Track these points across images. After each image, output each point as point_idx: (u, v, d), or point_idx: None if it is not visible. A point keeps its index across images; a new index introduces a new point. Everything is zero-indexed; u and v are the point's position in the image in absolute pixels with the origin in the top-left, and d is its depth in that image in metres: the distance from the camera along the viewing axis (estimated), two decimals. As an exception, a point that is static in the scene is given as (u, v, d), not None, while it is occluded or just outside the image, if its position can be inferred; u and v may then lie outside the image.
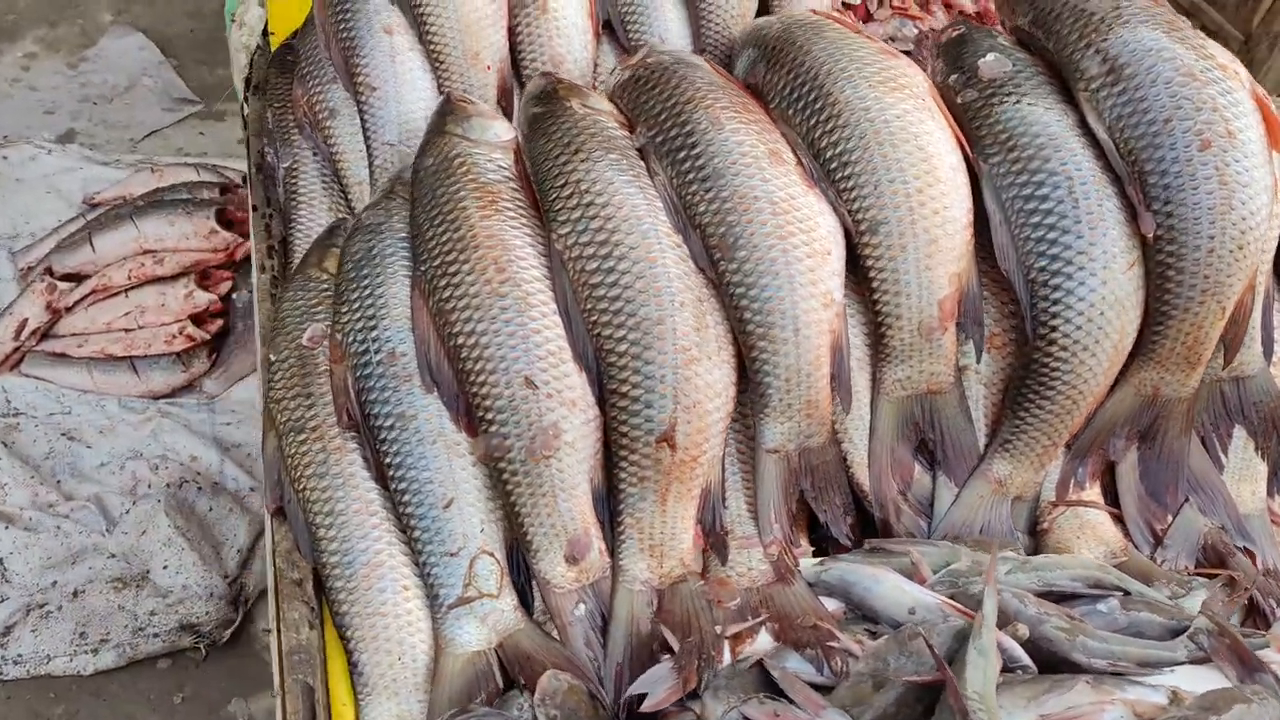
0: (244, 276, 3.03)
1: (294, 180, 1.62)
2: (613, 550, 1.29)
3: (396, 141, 1.58)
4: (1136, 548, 1.42)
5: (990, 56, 1.47)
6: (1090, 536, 1.41)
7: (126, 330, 2.87)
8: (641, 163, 1.37)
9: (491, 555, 1.24)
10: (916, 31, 2.06)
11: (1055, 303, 1.34)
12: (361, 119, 1.60)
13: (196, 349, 2.89)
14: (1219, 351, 1.42)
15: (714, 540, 1.28)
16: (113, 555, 2.52)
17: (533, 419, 1.24)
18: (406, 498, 1.25)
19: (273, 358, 1.36)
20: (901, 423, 1.39)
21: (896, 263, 1.34)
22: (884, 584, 1.18)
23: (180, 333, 2.86)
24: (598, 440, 1.29)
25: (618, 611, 1.25)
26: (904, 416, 1.39)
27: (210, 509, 2.61)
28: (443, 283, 1.29)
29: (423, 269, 1.31)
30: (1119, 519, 1.44)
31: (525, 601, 1.27)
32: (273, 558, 1.27)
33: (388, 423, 1.27)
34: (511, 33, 1.64)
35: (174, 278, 2.91)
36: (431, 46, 1.60)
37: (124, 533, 2.53)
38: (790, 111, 1.42)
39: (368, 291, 1.33)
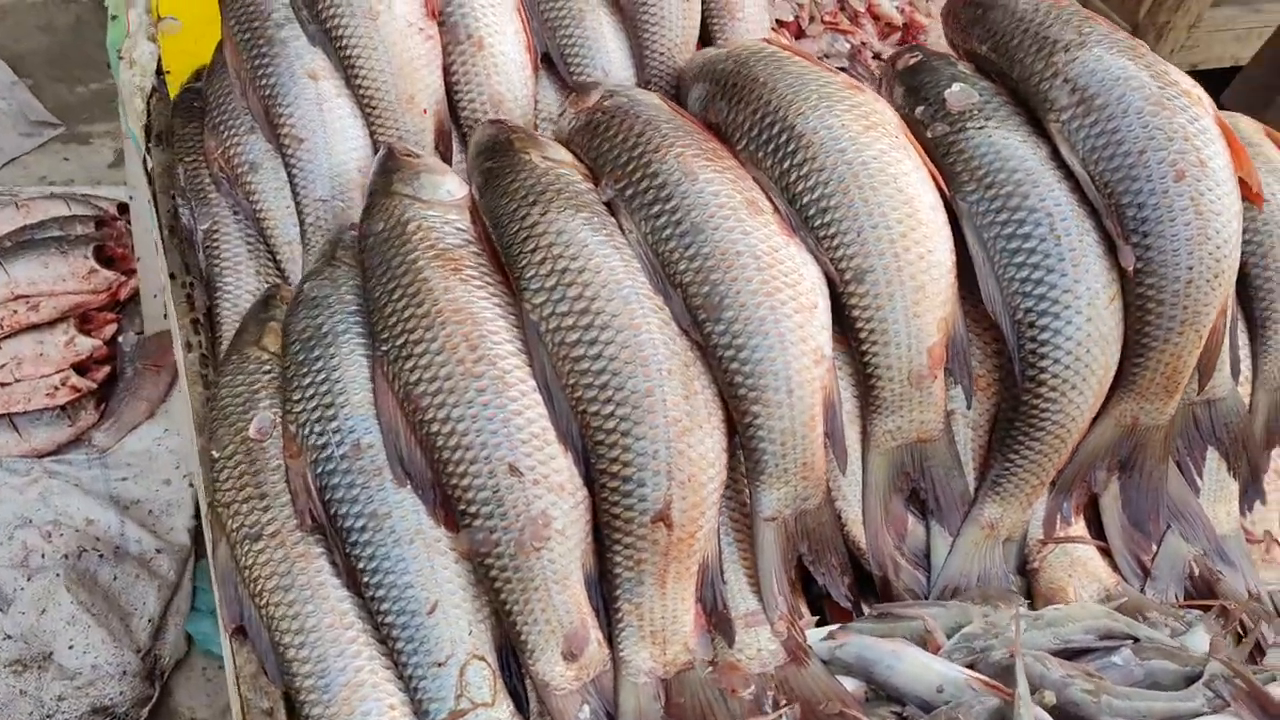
0: (130, 317, 2.81)
1: (215, 244, 1.47)
2: (610, 640, 1.20)
3: (329, 196, 1.45)
4: (1126, 580, 1.41)
5: (956, 87, 1.43)
6: (1082, 573, 1.40)
7: (2, 385, 2.63)
8: (612, 219, 1.28)
9: (483, 660, 1.14)
10: (850, 47, 2.01)
11: (1043, 344, 1.31)
12: (288, 173, 1.46)
13: (82, 400, 2.67)
14: (1193, 376, 1.41)
15: (717, 620, 1.21)
16: (9, 636, 2.30)
17: (520, 509, 1.14)
18: (385, 605, 1.14)
19: (215, 454, 1.22)
20: (893, 474, 1.35)
21: (884, 312, 1.28)
22: (906, 661, 1.13)
23: (63, 384, 2.64)
24: (588, 523, 1.20)
25: (624, 708, 1.17)
26: (895, 467, 1.35)
27: (114, 578, 2.41)
28: (409, 364, 1.17)
29: (384, 349, 1.20)
30: (1106, 552, 1.43)
31: (519, 704, 1.18)
32: (236, 685, 1.14)
33: (358, 523, 1.15)
34: (447, 72, 1.52)
35: (52, 324, 2.68)
36: (362, 92, 1.47)
37: (21, 612, 2.31)
38: (760, 155, 1.35)
39: (322, 376, 1.21)
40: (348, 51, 1.46)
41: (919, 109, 1.44)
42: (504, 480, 1.14)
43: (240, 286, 1.44)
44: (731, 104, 1.41)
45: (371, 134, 1.49)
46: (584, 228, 1.23)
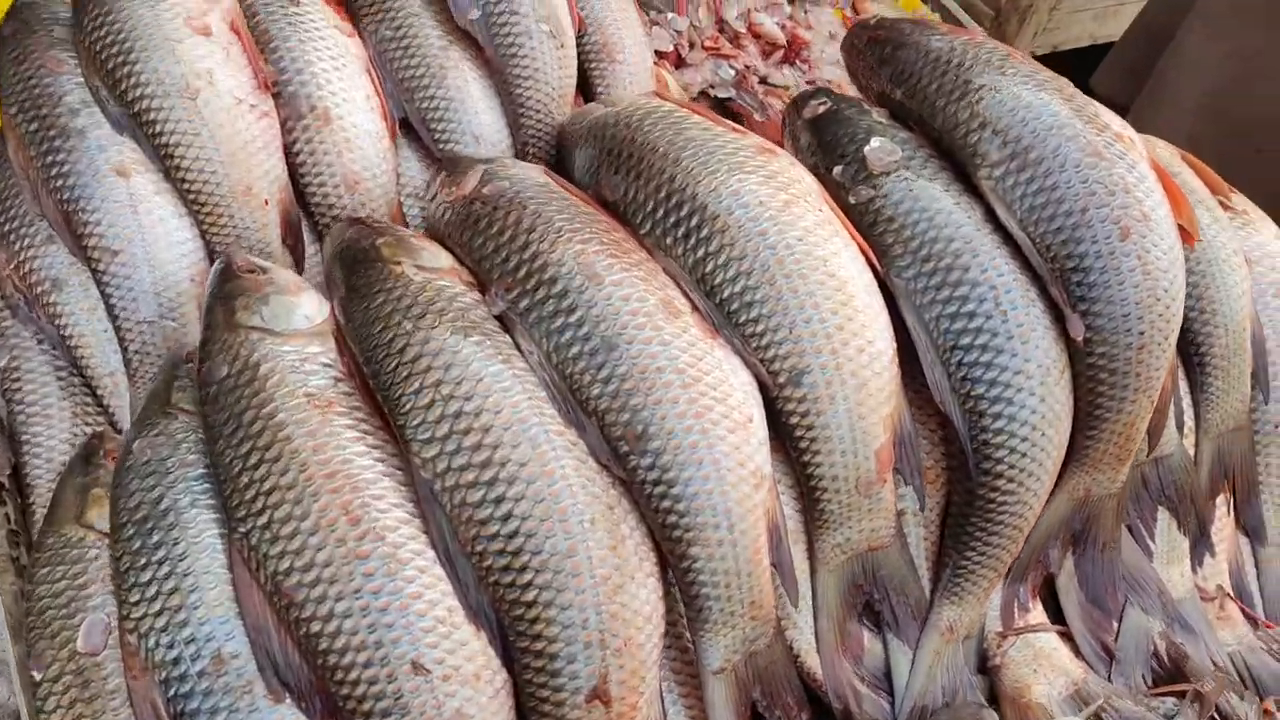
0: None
1: (17, 383, 1.21)
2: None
3: (156, 317, 1.21)
4: (1091, 667, 1.30)
5: (876, 143, 1.28)
6: (1047, 667, 1.28)
7: None
8: (505, 337, 1.08)
9: None
10: (734, 73, 1.85)
11: (997, 432, 1.18)
12: (102, 292, 1.21)
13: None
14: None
15: (670, 800, 1.04)
16: None
17: (429, 713, 0.95)
18: None
19: (37, 675, 0.98)
20: (845, 590, 1.20)
21: (826, 417, 1.13)
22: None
23: None
24: (510, 709, 1.01)
25: None
26: (847, 582, 1.20)
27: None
28: (275, 548, 0.96)
29: (243, 529, 0.97)
30: (1067, 635, 1.33)
31: None
32: None
33: (229, 755, 0.93)
34: (289, 152, 1.29)
35: None
36: (186, 186, 1.23)
37: None
38: (669, 240, 1.17)
39: (165, 568, 0.98)
40: (164, 139, 1.22)
41: (837, 169, 1.29)
42: (406, 682, 0.94)
43: (53, 436, 1.19)
44: (628, 178, 1.22)
45: (203, 234, 1.25)
46: (475, 356, 1.03)
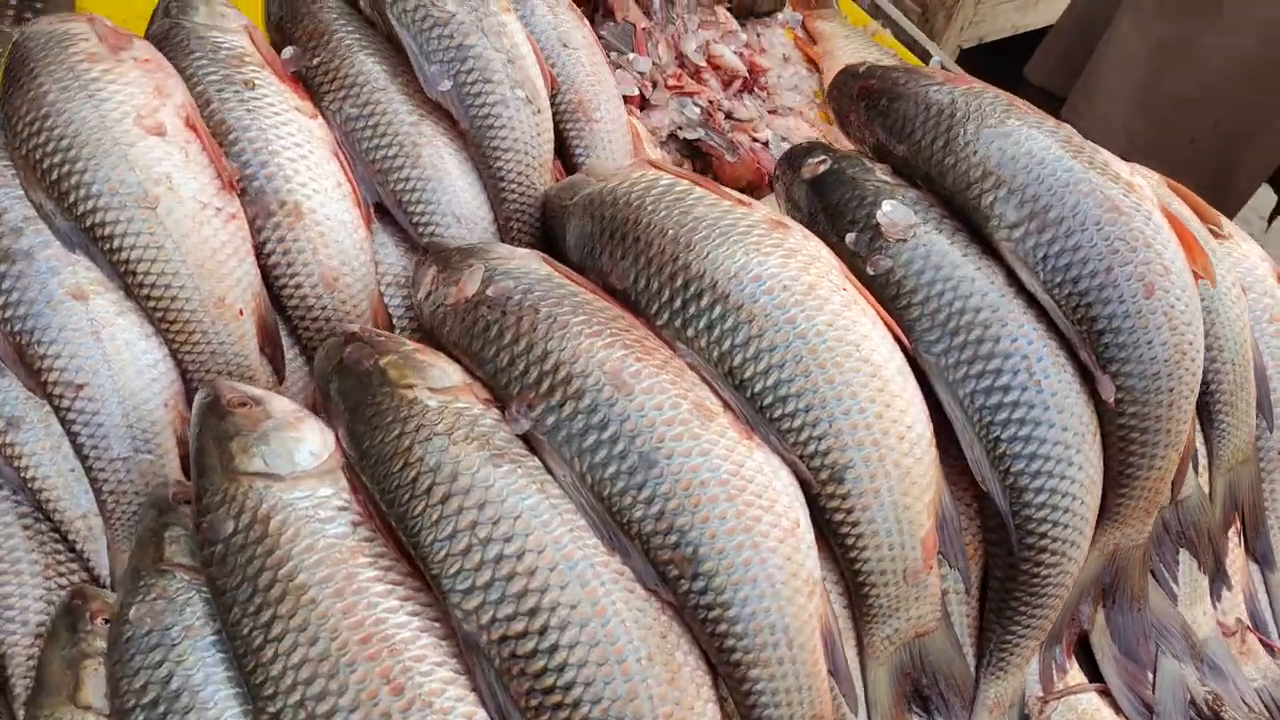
0: None
1: (-24, 539, 1.08)
2: None
3: (131, 452, 1.09)
4: (1134, 725, 1.29)
5: (888, 207, 1.22)
6: (1091, 731, 1.26)
7: None
8: (534, 460, 1.00)
9: None
10: (699, 111, 1.78)
11: (1040, 506, 1.15)
12: (67, 429, 1.08)
13: None
14: (1163, 487, 1.29)
15: None
16: None
17: None
18: None
19: None
20: (895, 681, 1.16)
21: (871, 512, 1.07)
22: None
23: None
24: None
25: None
26: (896, 673, 1.16)
27: None
28: (312, 729, 0.86)
29: (272, 710, 0.88)
30: (1106, 692, 1.31)
31: None
32: None
33: None
34: (260, 252, 1.18)
35: None
36: (153, 304, 1.11)
37: None
38: (689, 332, 1.10)
39: (185, 760, 0.88)
40: (124, 254, 1.10)
41: (849, 236, 1.23)
42: None
43: (26, 595, 1.06)
44: (638, 264, 1.14)
45: (173, 353, 1.14)
46: (509, 489, 0.95)
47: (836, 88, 1.43)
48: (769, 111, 1.95)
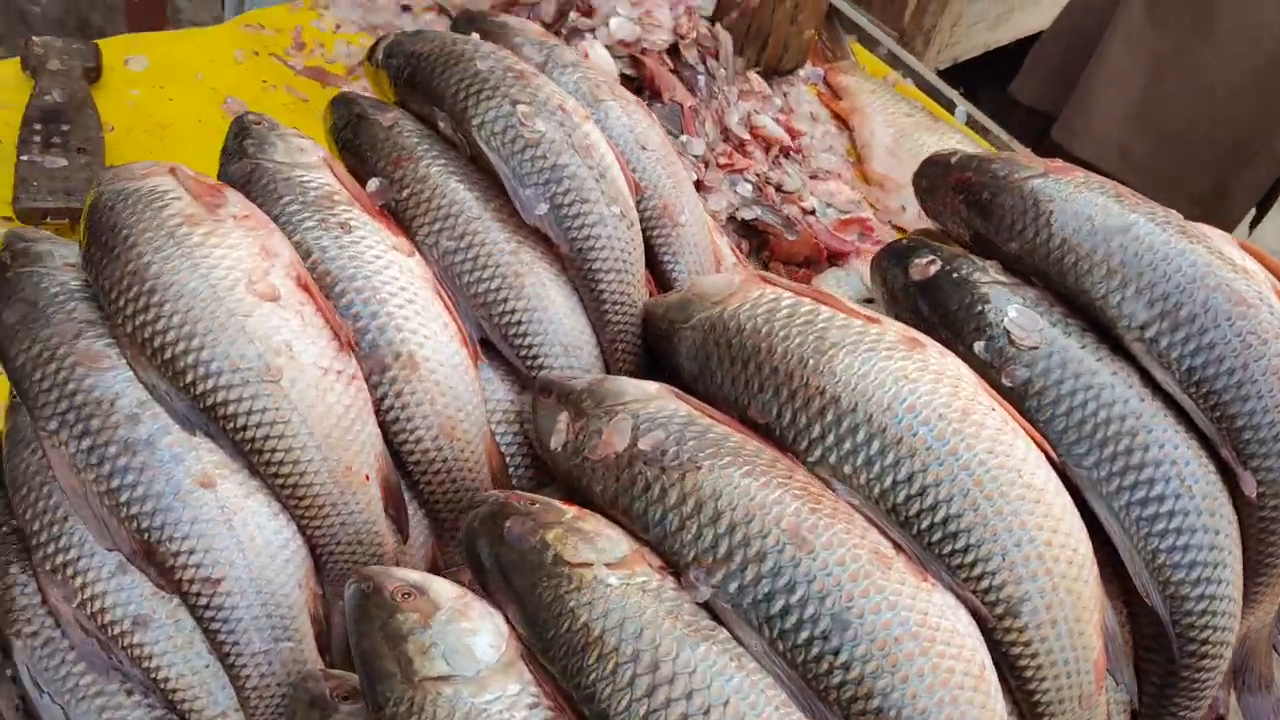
0: None
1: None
2: None
3: (272, 643, 1.03)
4: (1276, 807, 1.29)
5: (1015, 314, 1.21)
6: (1240, 820, 1.26)
7: None
8: (723, 630, 0.95)
9: None
10: (751, 186, 1.75)
11: (1201, 614, 1.14)
12: (204, 627, 1.01)
13: None
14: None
15: None
16: None
17: None
18: None
19: None
20: (1069, 802, 1.13)
21: (1049, 643, 1.05)
22: None
23: None
24: None
25: None
26: (1069, 794, 1.13)
27: None
28: None
29: None
30: (1244, 774, 1.31)
31: None
32: None
33: None
34: (377, 408, 1.12)
35: None
36: (280, 481, 1.04)
37: None
38: (846, 469, 1.06)
39: None
40: (249, 433, 1.03)
41: (978, 345, 1.20)
42: None
43: (174, 811, 0.99)
44: (779, 398, 1.11)
45: (301, 529, 1.07)
46: (711, 672, 0.90)
47: (925, 177, 1.41)
48: (810, 176, 1.93)
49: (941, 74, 3.63)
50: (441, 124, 1.30)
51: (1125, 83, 2.92)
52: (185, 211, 1.08)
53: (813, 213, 1.85)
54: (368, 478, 1.09)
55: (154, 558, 1.00)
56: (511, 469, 1.25)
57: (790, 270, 1.77)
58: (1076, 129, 3.02)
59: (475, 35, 1.42)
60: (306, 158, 1.23)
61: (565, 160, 1.25)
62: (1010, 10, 3.66)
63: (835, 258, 1.79)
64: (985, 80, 3.57)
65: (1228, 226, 2.94)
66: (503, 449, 1.24)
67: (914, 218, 1.96)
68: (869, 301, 1.73)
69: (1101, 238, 1.21)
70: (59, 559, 1.03)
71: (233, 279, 1.04)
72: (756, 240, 1.76)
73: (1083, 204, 1.24)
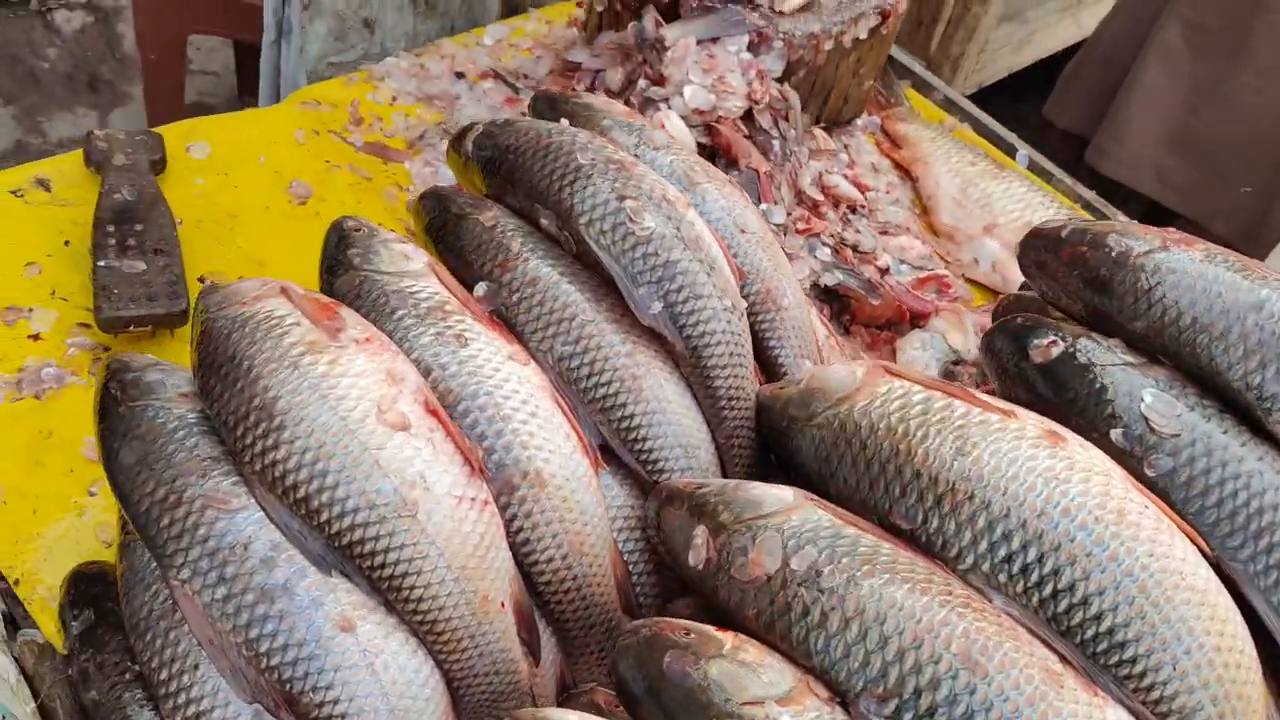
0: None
1: None
2: None
3: (419, 789, 0.98)
4: None
5: (1150, 399, 1.17)
6: None
7: None
8: (895, 760, 0.92)
9: None
10: (829, 249, 1.72)
11: (1364, 705, 1.10)
12: (349, 778, 0.97)
13: None
14: None
15: None
16: None
17: None
18: None
19: None
20: None
21: (1223, 751, 1.01)
22: None
23: None
24: None
25: None
26: None
27: None
28: None
29: None
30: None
31: None
32: None
33: None
34: (507, 530, 1.08)
35: None
36: (419, 616, 1.01)
37: None
38: (1001, 577, 1.03)
39: None
40: (387, 570, 0.99)
41: (1114, 433, 1.17)
42: None
43: None
44: (926, 503, 1.07)
45: (439, 663, 1.03)
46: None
47: (1033, 252, 1.38)
48: (879, 232, 1.90)
49: (971, 100, 3.62)
50: (544, 221, 1.26)
51: (1162, 106, 2.90)
52: (306, 339, 1.04)
53: (888, 271, 1.82)
54: (503, 605, 1.05)
55: (296, 708, 0.96)
56: (635, 577, 1.21)
57: (873, 333, 1.74)
58: (1110, 151, 3.00)
59: (564, 121, 1.39)
60: (413, 265, 1.19)
61: (676, 256, 1.22)
62: (1032, 33, 3.64)
63: (917, 318, 1.75)
64: (1005, 99, 3.55)
65: (1267, 250, 2.92)
66: (625, 556, 1.20)
67: (987, 271, 1.93)
68: (957, 364, 1.70)
69: (1235, 316, 1.18)
70: (191, 710, 0.99)
71: (362, 410, 1.00)
72: (837, 305, 1.73)
73: (1211, 280, 1.21)
